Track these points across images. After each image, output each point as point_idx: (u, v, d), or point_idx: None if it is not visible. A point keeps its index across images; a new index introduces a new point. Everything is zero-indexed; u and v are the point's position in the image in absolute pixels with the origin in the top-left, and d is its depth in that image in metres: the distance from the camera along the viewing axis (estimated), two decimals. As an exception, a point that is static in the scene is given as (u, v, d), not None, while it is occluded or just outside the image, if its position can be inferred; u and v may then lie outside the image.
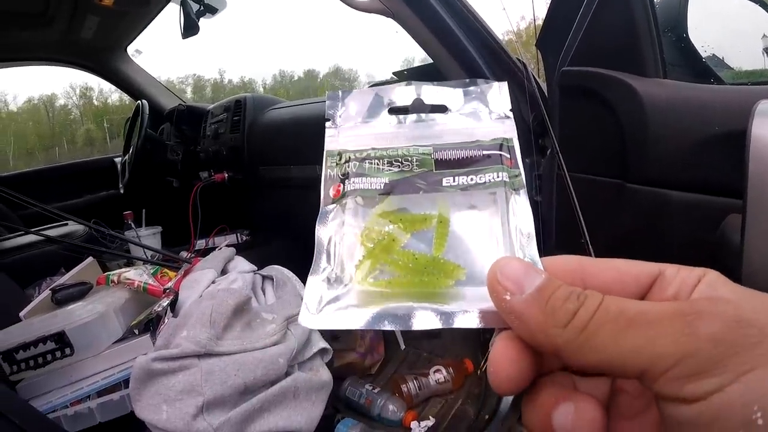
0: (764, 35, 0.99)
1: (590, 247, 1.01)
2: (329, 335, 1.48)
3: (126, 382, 0.84)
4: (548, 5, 1.10)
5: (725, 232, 0.75)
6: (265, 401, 0.74)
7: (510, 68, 1.28)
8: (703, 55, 1.04)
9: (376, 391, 1.51)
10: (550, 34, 1.11)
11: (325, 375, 0.86)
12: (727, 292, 0.20)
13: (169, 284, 1.03)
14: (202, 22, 2.00)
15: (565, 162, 1.07)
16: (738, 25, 1.08)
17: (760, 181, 0.64)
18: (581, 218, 1.04)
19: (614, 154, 0.98)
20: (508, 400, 1.40)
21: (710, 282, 0.20)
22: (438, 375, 1.54)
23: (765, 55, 1.00)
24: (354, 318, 0.22)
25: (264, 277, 1.04)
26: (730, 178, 0.71)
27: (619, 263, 0.23)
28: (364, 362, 1.69)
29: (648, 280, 0.22)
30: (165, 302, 0.95)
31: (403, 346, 1.85)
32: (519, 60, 1.29)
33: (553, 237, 1.24)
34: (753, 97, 0.66)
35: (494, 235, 0.24)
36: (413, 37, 1.29)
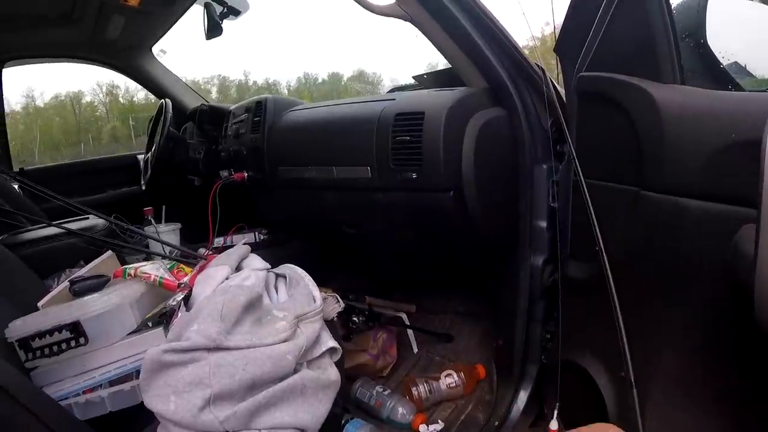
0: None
1: (604, 255, 1.00)
2: (341, 335, 1.49)
3: (138, 373, 0.85)
4: (566, 11, 1.09)
5: (739, 243, 0.73)
6: (272, 397, 0.75)
7: (528, 74, 1.27)
8: (724, 62, 1.02)
9: (386, 393, 1.51)
10: (568, 39, 1.11)
11: (332, 374, 0.86)
12: None
13: (185, 279, 1.04)
14: (226, 24, 2.03)
15: (581, 168, 1.06)
16: (760, 31, 1.06)
17: (775, 191, 0.63)
18: (596, 226, 1.02)
19: (630, 161, 0.96)
20: (518, 407, 1.38)
21: None
22: (449, 379, 1.53)
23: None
24: None
25: (277, 275, 1.05)
26: (748, 188, 0.69)
27: None
28: (377, 364, 1.69)
29: None
30: (179, 297, 0.96)
31: (416, 350, 1.84)
32: (537, 65, 1.29)
33: (567, 244, 1.23)
34: (772, 106, 0.65)
35: None
36: (431, 42, 1.29)
